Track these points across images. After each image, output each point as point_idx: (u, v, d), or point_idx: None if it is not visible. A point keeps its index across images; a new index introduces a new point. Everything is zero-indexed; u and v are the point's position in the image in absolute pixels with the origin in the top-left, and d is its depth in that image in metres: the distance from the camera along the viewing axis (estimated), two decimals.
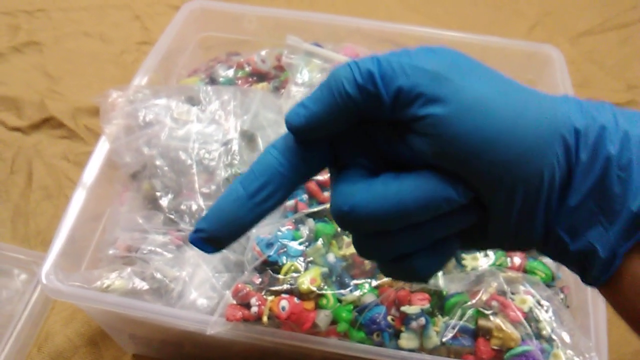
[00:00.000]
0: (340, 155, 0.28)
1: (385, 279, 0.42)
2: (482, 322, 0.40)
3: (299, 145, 0.27)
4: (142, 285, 0.44)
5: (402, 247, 0.26)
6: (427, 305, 0.41)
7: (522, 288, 0.42)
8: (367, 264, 0.43)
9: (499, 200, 0.24)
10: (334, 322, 0.41)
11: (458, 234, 0.26)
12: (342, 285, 0.41)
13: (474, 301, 0.41)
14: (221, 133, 0.50)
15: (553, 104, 0.24)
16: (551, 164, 0.23)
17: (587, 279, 0.25)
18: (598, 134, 0.23)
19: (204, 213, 0.47)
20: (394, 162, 0.27)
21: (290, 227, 0.44)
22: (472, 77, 0.24)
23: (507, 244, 0.26)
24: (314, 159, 0.27)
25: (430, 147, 0.24)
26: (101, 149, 0.50)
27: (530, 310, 0.41)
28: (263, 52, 0.63)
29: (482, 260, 0.44)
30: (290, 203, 0.46)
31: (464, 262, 0.45)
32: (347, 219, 0.26)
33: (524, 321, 0.40)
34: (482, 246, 0.28)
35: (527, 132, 0.23)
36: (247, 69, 0.62)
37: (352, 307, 0.41)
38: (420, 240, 0.26)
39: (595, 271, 0.24)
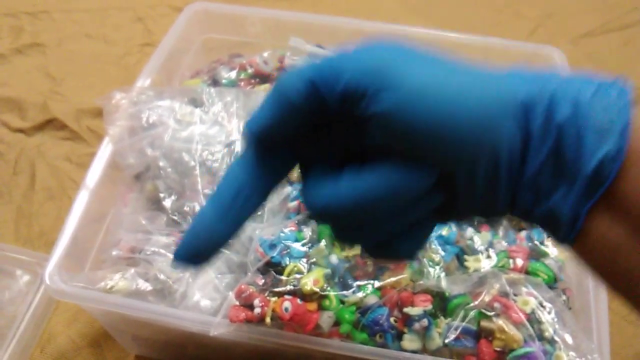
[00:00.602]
0: (304, 154, 0.28)
1: (388, 280, 0.42)
2: (484, 323, 0.41)
3: (260, 153, 0.27)
4: (146, 286, 0.44)
5: (379, 234, 0.27)
6: (429, 307, 0.41)
7: (524, 289, 0.42)
8: (370, 265, 0.43)
9: (461, 176, 0.25)
10: (336, 323, 0.41)
11: (432, 210, 0.27)
12: (345, 286, 0.42)
13: (476, 302, 0.41)
14: (224, 134, 0.51)
15: (499, 78, 0.25)
16: (505, 137, 0.24)
17: (557, 239, 0.26)
18: (548, 102, 0.24)
19: None
20: (358, 150, 0.27)
21: (293, 228, 0.44)
22: (413, 66, 0.24)
23: (478, 214, 0.27)
24: (277, 163, 0.28)
25: (385, 139, 0.24)
26: (104, 151, 0.50)
27: (533, 311, 0.41)
28: (265, 54, 0.63)
29: (484, 262, 0.45)
30: (293, 204, 0.46)
31: (466, 263, 0.45)
32: (321, 217, 0.27)
33: (527, 323, 0.40)
34: (456, 218, 0.28)
35: (473, 110, 0.23)
36: (250, 70, 0.62)
37: (354, 308, 0.41)
38: (396, 226, 0.26)
39: (562, 232, 0.25)
